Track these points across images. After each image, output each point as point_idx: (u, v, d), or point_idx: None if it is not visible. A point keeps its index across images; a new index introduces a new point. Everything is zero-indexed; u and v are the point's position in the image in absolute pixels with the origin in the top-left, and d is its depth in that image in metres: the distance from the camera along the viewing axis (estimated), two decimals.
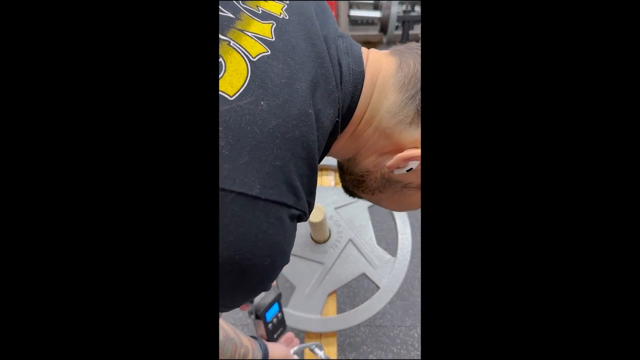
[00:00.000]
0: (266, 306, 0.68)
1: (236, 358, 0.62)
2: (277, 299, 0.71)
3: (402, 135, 0.41)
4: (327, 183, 1.01)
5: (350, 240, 0.92)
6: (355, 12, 2.12)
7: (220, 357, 0.58)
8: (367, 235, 0.93)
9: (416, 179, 0.44)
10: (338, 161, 0.51)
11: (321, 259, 0.90)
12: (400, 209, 0.53)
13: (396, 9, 1.95)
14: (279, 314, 0.71)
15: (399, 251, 0.91)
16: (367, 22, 2.32)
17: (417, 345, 1.00)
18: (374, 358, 0.98)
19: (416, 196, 0.47)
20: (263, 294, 0.71)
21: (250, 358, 0.63)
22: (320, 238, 0.91)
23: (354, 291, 1.01)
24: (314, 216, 0.83)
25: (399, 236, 0.94)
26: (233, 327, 0.61)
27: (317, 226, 0.85)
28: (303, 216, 0.37)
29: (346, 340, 1.01)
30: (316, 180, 0.39)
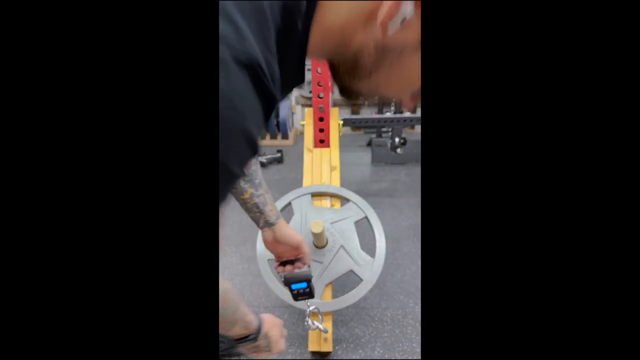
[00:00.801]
0: (294, 279, 0.88)
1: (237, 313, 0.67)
2: (307, 279, 0.88)
3: None
4: (325, 205, 1.43)
5: (341, 246, 1.18)
6: None
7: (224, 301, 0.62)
8: (354, 243, 1.20)
9: (411, 34, 0.36)
10: (330, 64, 0.44)
11: (321, 260, 1.17)
12: (403, 87, 0.43)
13: None
14: (307, 289, 0.89)
15: (376, 254, 1.17)
16: None
17: (390, 321, 1.39)
18: (359, 331, 1.37)
19: (415, 61, 0.38)
20: (297, 271, 0.89)
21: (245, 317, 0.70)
22: (320, 244, 1.19)
23: (344, 283, 1.36)
24: (316, 228, 1.08)
25: (377, 243, 1.21)
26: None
27: (318, 236, 1.13)
28: (257, 70, 0.32)
29: (339, 318, 1.39)
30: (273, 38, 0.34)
